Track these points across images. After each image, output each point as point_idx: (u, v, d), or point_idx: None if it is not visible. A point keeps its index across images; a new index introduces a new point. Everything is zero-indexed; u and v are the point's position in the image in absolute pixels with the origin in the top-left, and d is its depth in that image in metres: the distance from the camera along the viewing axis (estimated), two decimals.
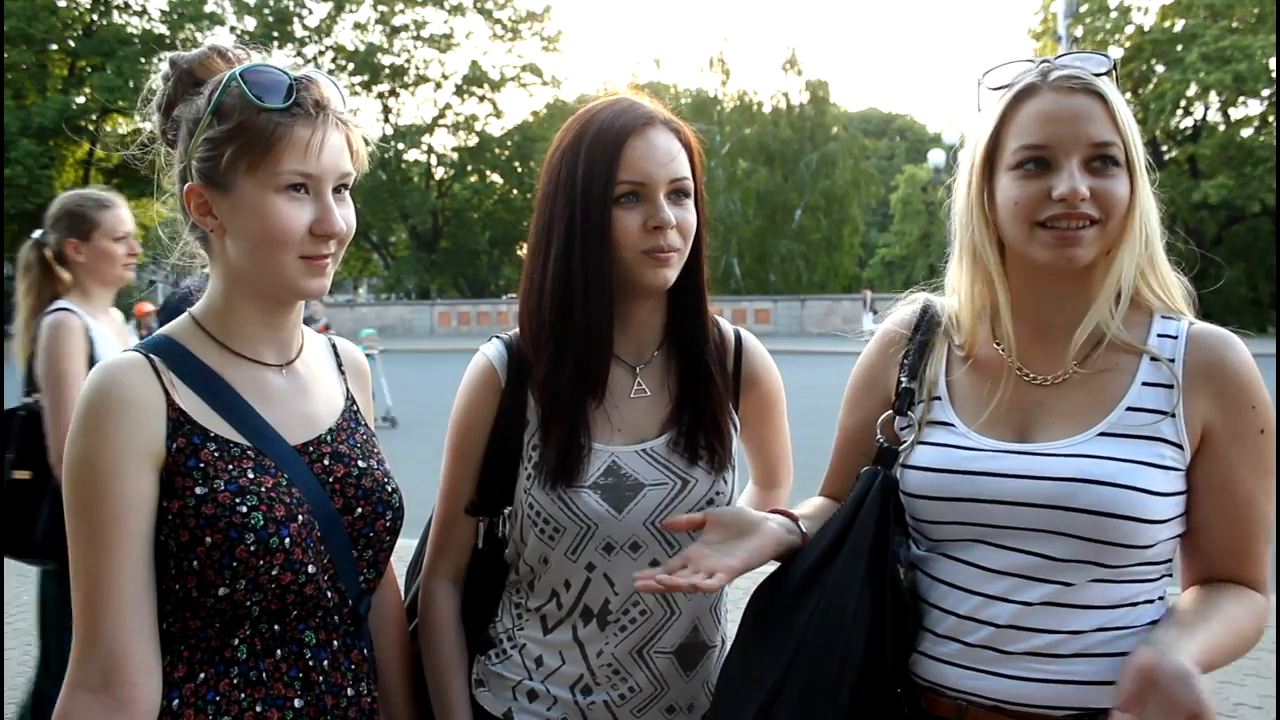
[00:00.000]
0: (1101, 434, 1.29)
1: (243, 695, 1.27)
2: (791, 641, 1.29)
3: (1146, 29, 29.30)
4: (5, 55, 30.04)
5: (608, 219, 1.40)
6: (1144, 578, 1.29)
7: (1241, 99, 29.14)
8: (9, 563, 3.10)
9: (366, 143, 1.37)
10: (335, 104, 1.31)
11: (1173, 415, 1.28)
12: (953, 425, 1.38)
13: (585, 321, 1.42)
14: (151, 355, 1.28)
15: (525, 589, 1.52)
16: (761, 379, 1.61)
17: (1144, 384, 1.31)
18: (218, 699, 1.26)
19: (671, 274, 1.43)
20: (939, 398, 1.41)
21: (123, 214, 3.13)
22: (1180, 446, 1.28)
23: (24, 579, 6.04)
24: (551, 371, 1.45)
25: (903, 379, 1.45)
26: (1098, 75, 1.30)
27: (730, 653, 1.40)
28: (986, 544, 1.31)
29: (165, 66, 1.35)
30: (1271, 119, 28.50)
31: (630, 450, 1.47)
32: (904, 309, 1.53)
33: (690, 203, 1.45)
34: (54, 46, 34.97)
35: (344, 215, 1.31)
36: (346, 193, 1.34)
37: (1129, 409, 1.30)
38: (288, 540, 1.26)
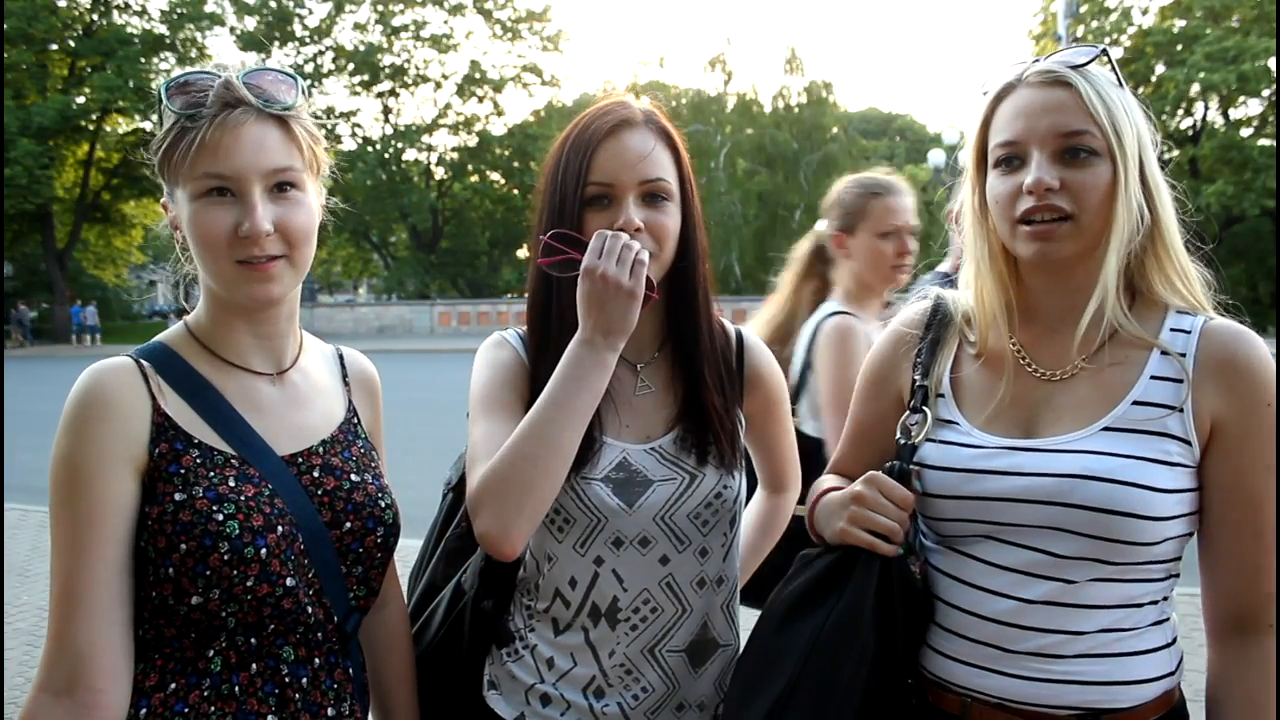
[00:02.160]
0: (1105, 429, 1.27)
1: (212, 708, 1.24)
2: (809, 639, 1.29)
3: (1147, 29, 29.30)
4: (5, 55, 30.04)
5: (580, 222, 1.42)
6: (1148, 577, 1.27)
7: (1242, 99, 29.16)
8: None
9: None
10: (267, 99, 1.26)
11: (1181, 410, 1.26)
12: (956, 423, 1.38)
13: (566, 319, 1.42)
14: (141, 361, 1.27)
15: (532, 589, 1.51)
16: (765, 376, 1.62)
17: (1152, 378, 1.29)
18: (186, 710, 1.23)
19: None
20: (943, 395, 1.41)
21: (895, 203, 2.65)
22: (1188, 442, 1.26)
23: (24, 579, 6.02)
24: (547, 365, 1.44)
25: (916, 376, 1.44)
26: (1078, 66, 1.29)
27: (746, 649, 1.40)
28: (993, 540, 1.31)
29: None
30: (1271, 119, 28.51)
31: (640, 449, 1.47)
32: (914, 306, 1.53)
33: (669, 205, 1.44)
34: (54, 46, 34.98)
35: (282, 214, 1.25)
36: (295, 191, 1.28)
37: (1135, 403, 1.28)
38: (264, 551, 1.23)
